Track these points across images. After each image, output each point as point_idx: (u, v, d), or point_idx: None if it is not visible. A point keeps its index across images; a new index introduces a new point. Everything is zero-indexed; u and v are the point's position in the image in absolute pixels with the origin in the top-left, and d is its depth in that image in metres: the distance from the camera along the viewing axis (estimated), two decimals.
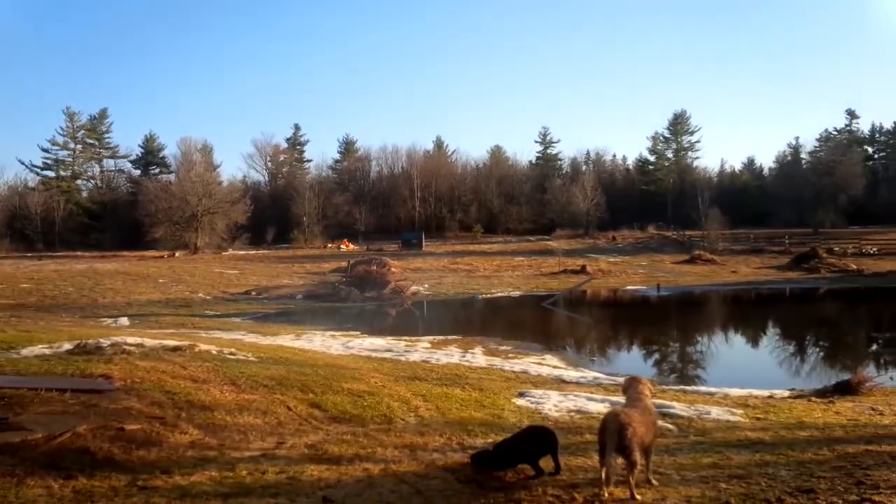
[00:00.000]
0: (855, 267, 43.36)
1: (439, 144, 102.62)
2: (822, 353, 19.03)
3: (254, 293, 35.56)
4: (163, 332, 17.92)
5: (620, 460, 5.22)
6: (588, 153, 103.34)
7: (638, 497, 5.19)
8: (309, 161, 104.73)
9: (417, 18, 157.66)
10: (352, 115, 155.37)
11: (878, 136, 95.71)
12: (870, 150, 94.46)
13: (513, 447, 6.02)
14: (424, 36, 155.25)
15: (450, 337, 19.51)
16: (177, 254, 59.21)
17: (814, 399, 10.15)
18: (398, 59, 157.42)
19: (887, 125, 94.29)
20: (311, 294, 35.63)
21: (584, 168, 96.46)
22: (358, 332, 20.95)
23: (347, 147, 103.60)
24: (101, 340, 12.88)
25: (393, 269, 42.87)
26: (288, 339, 18.68)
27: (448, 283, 39.74)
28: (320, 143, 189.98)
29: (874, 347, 19.70)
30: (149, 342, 13.14)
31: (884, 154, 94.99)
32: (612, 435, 5.14)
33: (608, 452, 5.17)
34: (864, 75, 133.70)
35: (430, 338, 19.30)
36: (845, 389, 10.42)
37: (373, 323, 25.56)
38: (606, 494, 5.19)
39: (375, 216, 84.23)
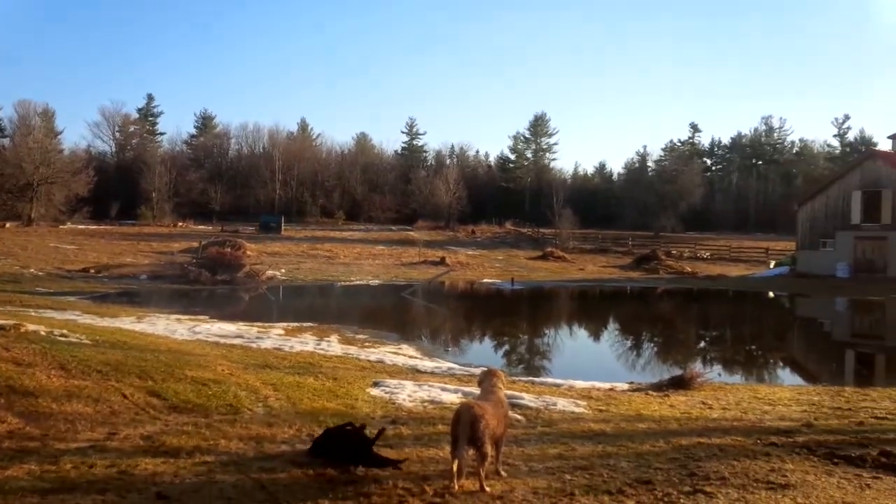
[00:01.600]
0: (690, 269, 46.91)
1: (304, 127, 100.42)
2: (657, 349, 20.35)
3: (93, 271, 33.19)
4: None
5: (472, 452, 5.23)
6: (453, 147, 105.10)
7: (487, 489, 5.22)
8: (162, 134, 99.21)
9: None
10: (210, 89, 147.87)
11: (716, 149, 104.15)
12: (708, 162, 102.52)
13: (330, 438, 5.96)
14: (291, 14, 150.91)
15: (305, 324, 19.07)
16: (7, 225, 54.00)
17: (651, 392, 10.76)
18: (262, 37, 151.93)
19: (725, 140, 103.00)
20: (158, 274, 33.81)
21: (448, 161, 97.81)
22: (207, 317, 20.00)
23: (205, 122, 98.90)
24: None
25: (248, 252, 41.53)
26: (128, 322, 17.49)
27: (306, 269, 38.97)
28: (176, 116, 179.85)
29: (702, 344, 21.37)
30: None
31: (720, 167, 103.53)
32: (464, 427, 5.13)
33: (460, 444, 5.15)
34: (706, 95, 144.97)
35: (285, 324, 18.78)
36: (679, 384, 11.14)
37: (224, 307, 24.54)
38: (457, 487, 5.18)
39: (233, 196, 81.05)
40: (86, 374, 8.62)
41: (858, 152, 73.80)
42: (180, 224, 66.01)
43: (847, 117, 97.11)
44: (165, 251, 43.96)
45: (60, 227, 56.63)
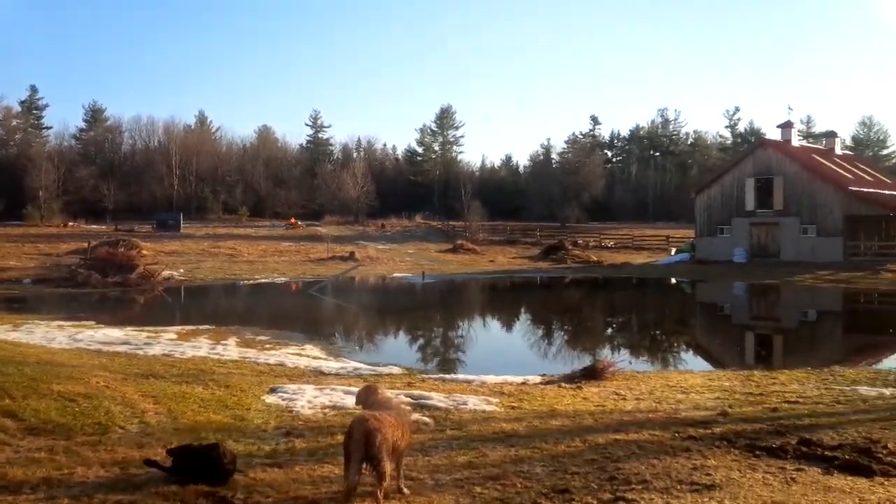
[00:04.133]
0: (595, 258, 47.72)
1: (202, 119, 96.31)
2: (568, 339, 20.24)
3: None
4: None
5: (369, 470, 4.56)
6: (359, 140, 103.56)
7: None
8: (48, 128, 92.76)
9: None
10: (99, 80, 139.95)
11: (616, 141, 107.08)
12: (609, 153, 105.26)
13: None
14: (184, 2, 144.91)
15: (201, 327, 17.85)
16: None
17: (563, 385, 10.39)
18: (155, 25, 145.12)
19: (624, 132, 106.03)
20: (43, 278, 31.45)
21: (355, 155, 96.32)
22: (93, 322, 18.51)
23: (95, 115, 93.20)
24: None
25: (144, 252, 39.31)
26: (1, 331, 15.87)
27: (207, 268, 37.16)
28: (62, 108, 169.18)
29: (611, 332, 21.45)
30: None
31: (620, 158, 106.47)
32: (358, 443, 4.47)
33: (353, 463, 4.49)
34: (606, 88, 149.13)
35: (178, 328, 17.52)
36: (591, 374, 10.83)
37: (114, 311, 22.91)
38: None
39: (127, 194, 76.68)
40: None
41: (749, 142, 77.34)
42: (71, 224, 61.89)
43: (737, 109, 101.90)
44: (53, 253, 40.99)
45: None
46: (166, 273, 33.51)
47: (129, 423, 7.29)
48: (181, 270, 35.48)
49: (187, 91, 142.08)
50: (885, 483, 5.38)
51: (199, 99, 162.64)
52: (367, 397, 5.39)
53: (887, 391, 9.69)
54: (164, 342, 14.95)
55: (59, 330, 16.78)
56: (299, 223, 65.48)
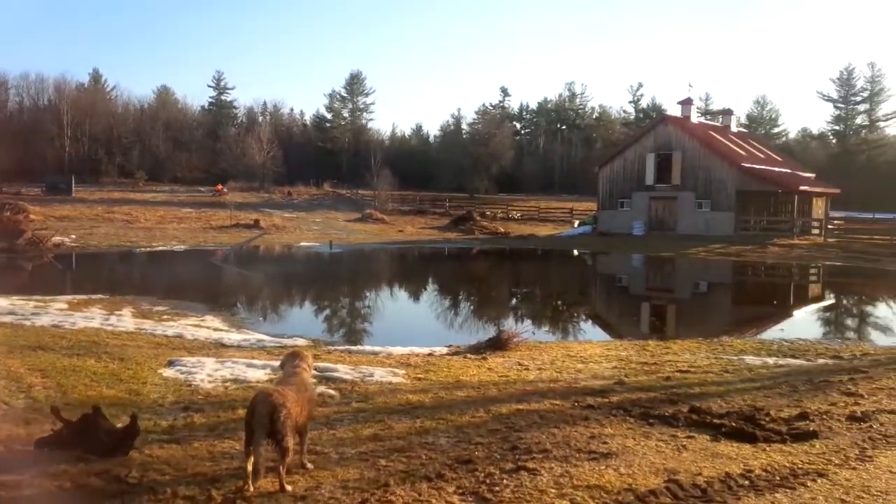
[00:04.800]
0: (503, 230, 48.48)
1: (96, 78, 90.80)
2: (475, 309, 20.53)
3: None
4: None
5: (272, 446, 4.48)
6: (265, 104, 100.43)
7: (289, 488, 4.52)
8: None
9: None
10: None
11: (525, 114, 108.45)
12: (518, 126, 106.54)
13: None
14: None
15: (94, 296, 16.99)
16: None
17: (469, 356, 10.54)
18: None
19: (533, 105, 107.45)
20: None
21: (260, 119, 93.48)
22: None
23: None
24: None
25: (32, 217, 37.04)
26: None
27: (101, 235, 35.39)
28: None
29: (515, 302, 21.90)
30: None
31: (528, 131, 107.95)
32: (261, 419, 4.37)
33: (257, 439, 4.39)
34: (516, 59, 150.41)
35: (70, 297, 16.62)
36: (496, 345, 11.02)
37: None
38: (252, 489, 4.43)
39: (13, 156, 71.54)
40: None
41: (650, 118, 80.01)
42: None
43: (640, 85, 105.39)
44: None
45: None
46: (56, 239, 31.68)
47: (14, 399, 6.89)
48: (73, 236, 33.64)
49: (80, 48, 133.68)
50: (768, 449, 5.75)
51: (93, 57, 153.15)
52: (287, 362, 5.31)
53: (771, 360, 10.34)
54: (54, 312, 14.14)
55: None
56: (225, 190, 62.86)
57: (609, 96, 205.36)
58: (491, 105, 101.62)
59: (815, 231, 40.29)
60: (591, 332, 15.95)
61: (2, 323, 12.53)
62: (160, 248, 32.75)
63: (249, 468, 4.41)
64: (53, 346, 10.19)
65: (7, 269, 24.89)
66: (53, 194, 52.58)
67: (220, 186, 64.13)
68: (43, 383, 7.63)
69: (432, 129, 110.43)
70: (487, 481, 4.78)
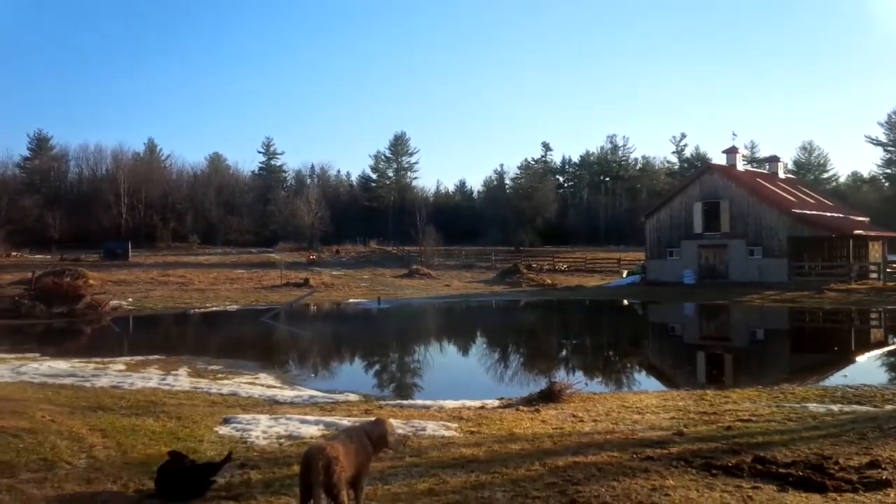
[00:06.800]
0: (550, 281, 48.17)
1: (151, 147, 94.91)
2: (525, 361, 20.31)
3: None
4: None
5: (327, 499, 4.47)
6: (313, 167, 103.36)
7: None
8: None
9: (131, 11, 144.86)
10: (44, 108, 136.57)
11: (567, 167, 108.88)
12: (560, 178, 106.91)
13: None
14: (131, 30, 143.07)
15: (151, 357, 17.36)
16: None
17: (521, 408, 10.39)
18: (103, 52, 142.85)
19: (575, 158, 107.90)
20: None
21: (308, 181, 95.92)
22: (38, 355, 17.85)
23: (40, 143, 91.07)
24: None
25: (91, 282, 38.11)
26: None
27: (156, 297, 36.30)
28: (5, 137, 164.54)
29: (566, 354, 21.60)
30: None
31: (572, 183, 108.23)
32: (316, 474, 4.37)
33: (315, 493, 4.38)
34: (558, 114, 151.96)
35: (127, 359, 17.02)
36: (549, 397, 10.86)
37: (60, 343, 22.15)
38: None
39: (73, 223, 74.84)
40: None
41: (695, 167, 79.44)
42: (14, 254, 60.04)
43: (683, 135, 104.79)
44: None
45: None
46: (114, 303, 32.61)
47: (76, 459, 7.03)
48: (130, 300, 34.59)
49: (136, 119, 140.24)
50: (838, 499, 5.50)
51: (149, 127, 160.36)
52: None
53: (835, 407, 9.95)
54: (113, 373, 14.50)
55: (2, 363, 16.11)
56: (313, 255, 63.12)
57: (652, 146, 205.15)
58: (533, 160, 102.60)
59: (874, 275, 39.03)
60: (645, 382, 15.61)
61: (63, 385, 12.88)
62: (214, 308, 33.40)
63: None
64: (113, 406, 10.41)
65: (67, 332, 25.68)
66: (111, 260, 54.47)
67: (311, 255, 64.07)
68: (103, 443, 7.78)
69: (476, 185, 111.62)
70: None
